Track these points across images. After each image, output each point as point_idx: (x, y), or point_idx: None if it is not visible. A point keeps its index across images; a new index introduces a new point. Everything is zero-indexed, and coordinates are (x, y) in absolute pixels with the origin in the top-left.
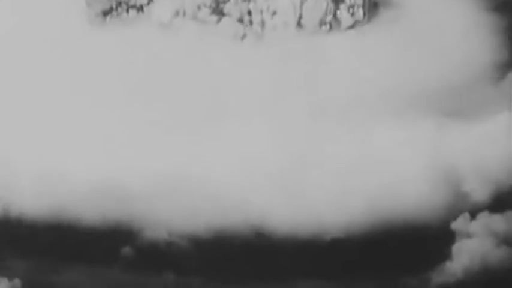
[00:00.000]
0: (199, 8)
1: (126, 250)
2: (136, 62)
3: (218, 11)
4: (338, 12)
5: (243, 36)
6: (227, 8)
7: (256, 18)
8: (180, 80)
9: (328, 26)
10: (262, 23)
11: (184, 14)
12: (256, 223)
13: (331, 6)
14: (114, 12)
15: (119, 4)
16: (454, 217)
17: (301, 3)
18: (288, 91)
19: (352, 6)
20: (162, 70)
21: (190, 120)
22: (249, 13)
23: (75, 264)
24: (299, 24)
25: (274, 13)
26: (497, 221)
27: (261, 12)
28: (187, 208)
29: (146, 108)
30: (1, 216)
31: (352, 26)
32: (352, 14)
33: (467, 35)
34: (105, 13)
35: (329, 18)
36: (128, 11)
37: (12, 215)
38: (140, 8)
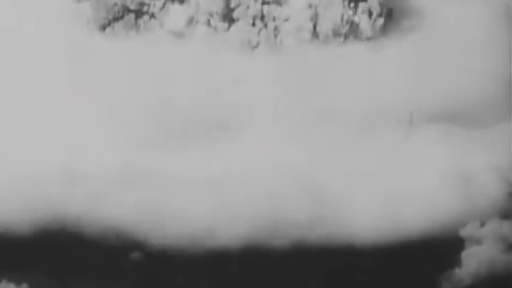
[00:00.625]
0: (211, 15)
1: (136, 255)
2: (144, 69)
3: (229, 18)
4: (354, 22)
5: (256, 44)
6: (239, 13)
7: (269, 25)
8: (191, 87)
9: (343, 36)
10: (276, 30)
11: (197, 21)
12: (265, 230)
13: (348, 16)
14: (122, 20)
15: (128, 11)
16: (464, 223)
17: (316, 12)
18: (299, 100)
19: (369, 14)
20: (172, 78)
21: (200, 128)
22: (262, 18)
23: (84, 270)
24: (314, 33)
25: (287, 20)
26: (506, 227)
27: (274, 19)
28: (202, 214)
29: (155, 116)
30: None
31: (367, 36)
32: (369, 24)
33: (485, 46)
34: (113, 20)
35: (345, 28)
36: (139, 18)
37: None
38: (152, 16)
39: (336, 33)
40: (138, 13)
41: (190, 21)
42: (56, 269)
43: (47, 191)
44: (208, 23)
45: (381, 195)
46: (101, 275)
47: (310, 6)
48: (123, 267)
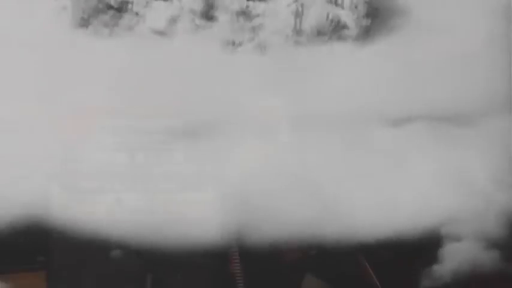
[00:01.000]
0: (194, 12)
1: (116, 253)
2: (126, 68)
3: (212, 15)
4: (339, 20)
5: (239, 42)
6: (222, 10)
7: (253, 22)
8: (172, 89)
9: (328, 35)
10: (259, 27)
11: (180, 19)
12: (260, 230)
13: (333, 14)
14: (104, 17)
15: (110, 8)
16: (447, 220)
17: (301, 9)
18: (283, 100)
19: (355, 13)
20: (153, 78)
21: (184, 128)
22: (246, 14)
23: (69, 267)
24: (298, 31)
25: (271, 16)
26: (487, 224)
27: (258, 15)
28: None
29: (138, 115)
30: None
31: (353, 35)
32: (355, 23)
33: (481, 46)
34: (94, 17)
35: (330, 26)
36: (121, 15)
37: None
38: (134, 13)
39: (320, 32)
40: (120, 10)
41: (173, 19)
42: (37, 266)
43: (34, 189)
44: (192, 20)
45: (370, 195)
46: (84, 272)
47: (295, 1)
48: (103, 263)
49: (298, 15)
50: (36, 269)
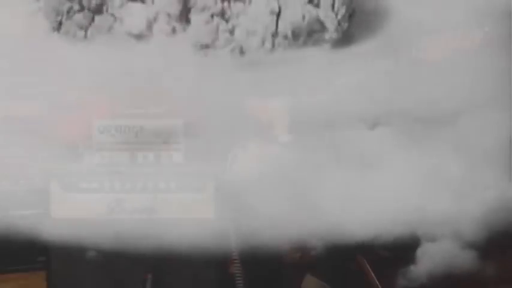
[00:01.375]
0: (170, 15)
1: (91, 254)
2: (101, 71)
3: (186, 19)
4: (318, 21)
5: (215, 45)
6: (198, 12)
7: (229, 23)
8: (150, 92)
9: (305, 37)
10: (236, 29)
11: (156, 22)
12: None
13: (310, 16)
14: (79, 19)
15: (84, 9)
16: (422, 221)
17: (279, 10)
18: (262, 103)
19: (334, 14)
20: (130, 82)
21: (165, 133)
22: (223, 16)
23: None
24: (275, 33)
25: (248, 17)
26: (464, 225)
27: (234, 16)
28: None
29: (117, 118)
30: None
31: (332, 37)
32: (334, 25)
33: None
34: (68, 19)
35: (307, 28)
36: (96, 17)
37: None
38: (110, 15)
39: (297, 33)
40: (96, 12)
41: (149, 21)
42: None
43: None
44: (167, 23)
45: (348, 194)
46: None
47: (272, 3)
48: (80, 263)
49: (276, 16)
50: (36, 269)
